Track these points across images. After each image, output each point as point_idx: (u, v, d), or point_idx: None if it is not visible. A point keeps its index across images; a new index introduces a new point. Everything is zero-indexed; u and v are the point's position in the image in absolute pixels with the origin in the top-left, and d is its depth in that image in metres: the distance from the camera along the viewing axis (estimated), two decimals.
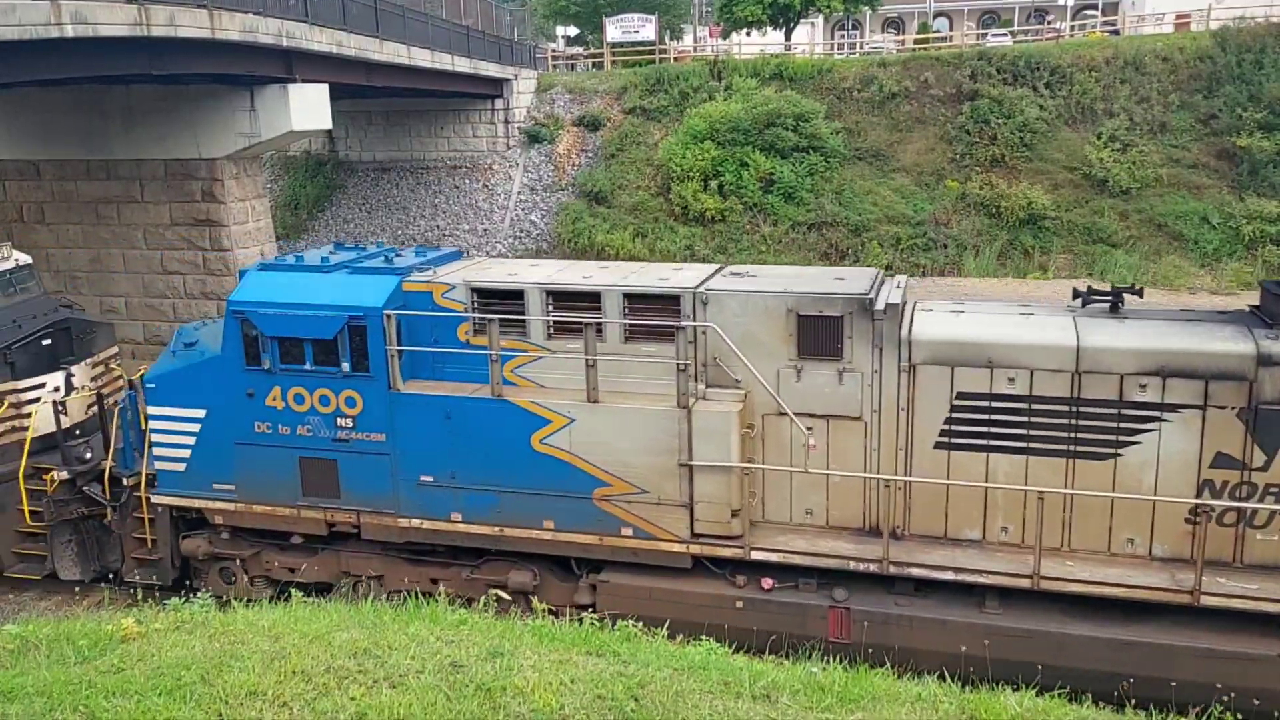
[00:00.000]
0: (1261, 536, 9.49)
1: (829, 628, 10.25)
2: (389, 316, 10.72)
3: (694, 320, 10.34)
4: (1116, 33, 36.46)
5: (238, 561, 12.30)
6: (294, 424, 11.30)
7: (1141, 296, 10.74)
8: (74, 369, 13.69)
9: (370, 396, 10.97)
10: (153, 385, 11.90)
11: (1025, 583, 9.66)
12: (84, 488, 12.90)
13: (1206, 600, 9.21)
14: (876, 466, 10.29)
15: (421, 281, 11.21)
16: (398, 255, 12.35)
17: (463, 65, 30.19)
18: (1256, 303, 10.47)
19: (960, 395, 10.03)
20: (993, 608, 9.95)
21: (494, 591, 10.76)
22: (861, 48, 43.76)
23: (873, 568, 10.06)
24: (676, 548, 10.52)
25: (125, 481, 12.67)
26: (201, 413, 11.66)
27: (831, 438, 10.35)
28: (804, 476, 10.30)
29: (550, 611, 10.72)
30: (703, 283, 10.69)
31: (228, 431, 11.59)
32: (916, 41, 40.66)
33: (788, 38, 43.37)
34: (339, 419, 11.14)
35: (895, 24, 54.59)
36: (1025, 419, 9.94)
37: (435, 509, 11.07)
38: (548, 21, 53.90)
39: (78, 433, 13.36)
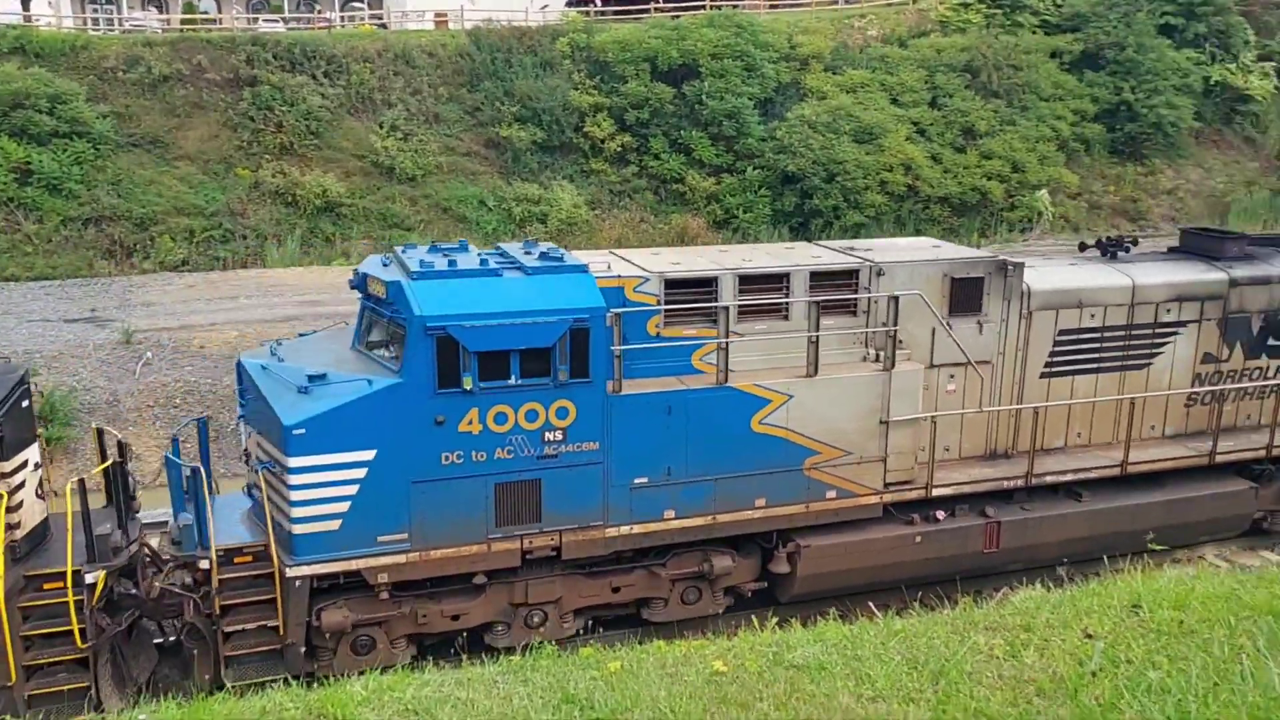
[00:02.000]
0: (1228, 407, 12.95)
1: (984, 541, 11.78)
2: (616, 316, 10.04)
3: (871, 291, 11.17)
4: (385, 26, 36.44)
5: (379, 626, 10.19)
6: (491, 448, 9.82)
7: (1136, 245, 13.64)
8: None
9: (586, 403, 10.02)
10: (302, 431, 9.25)
11: (1115, 471, 12.10)
12: (157, 584, 9.65)
13: (1219, 459, 12.48)
14: (998, 400, 12.02)
15: (612, 277, 10.38)
16: (525, 253, 10.75)
17: None
18: (1175, 244, 14.25)
19: (1061, 332, 12.20)
20: (1088, 497, 12.15)
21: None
22: (121, 24, 38.00)
23: (1019, 483, 11.80)
24: (872, 500, 11.19)
25: (204, 564, 9.51)
26: (369, 454, 9.49)
27: (967, 381, 11.79)
28: (926, 419, 11.39)
29: (728, 590, 11.27)
30: (866, 258, 11.47)
31: (403, 471, 9.57)
32: (183, 22, 36.26)
33: (26, 7, 35.95)
34: (547, 433, 9.96)
35: (158, 2, 49.52)
36: (1098, 345, 12.39)
37: (648, 510, 10.51)
38: None
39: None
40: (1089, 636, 5.05)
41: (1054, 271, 12.44)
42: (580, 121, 27.76)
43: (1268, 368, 13.12)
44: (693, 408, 10.33)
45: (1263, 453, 12.83)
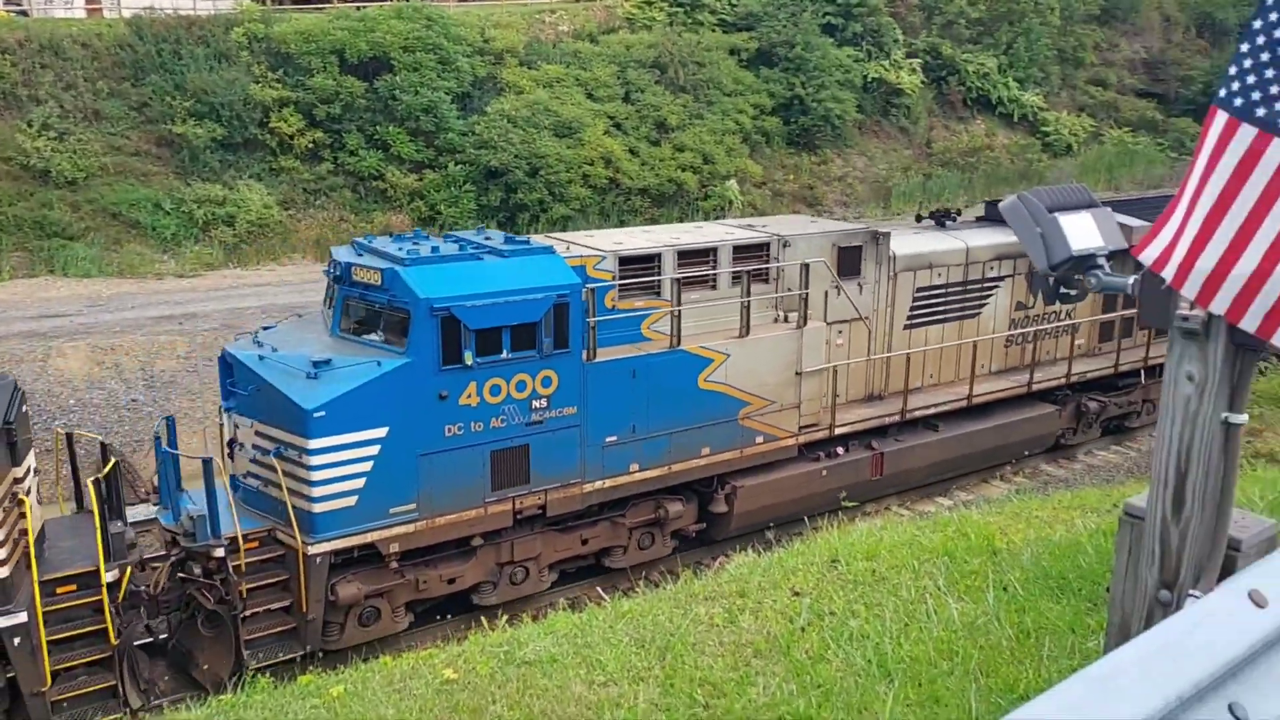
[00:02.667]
0: (1036, 345, 16.04)
1: (871, 470, 13.91)
2: (591, 291, 10.97)
3: (780, 261, 12.84)
4: (25, 13, 31.60)
5: (383, 596, 10.59)
6: (487, 418, 10.53)
7: (960, 215, 16.36)
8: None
9: (566, 372, 10.93)
10: (322, 414, 9.54)
11: (963, 403, 14.84)
12: (179, 576, 9.69)
13: (1035, 388, 15.64)
14: (876, 350, 14.10)
15: (575, 256, 11.31)
16: (486, 239, 11.50)
17: None
18: (981, 214, 16.79)
19: (918, 290, 14.46)
20: (943, 427, 14.70)
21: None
22: None
23: (895, 418, 14.06)
24: (790, 441, 12.98)
25: (218, 552, 9.54)
26: (382, 431, 9.92)
27: (852, 336, 13.77)
28: (829, 368, 13.29)
29: (674, 534, 12.66)
30: (774, 232, 13.10)
31: (412, 445, 10.09)
32: None
33: None
34: (534, 401, 10.80)
35: None
36: (944, 299, 14.79)
37: (616, 465, 11.56)
38: None
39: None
40: (796, 594, 5.36)
41: (909, 239, 14.63)
42: (265, 117, 26.07)
43: (1061, 311, 16.30)
44: (652, 370, 11.58)
45: (1062, 381, 16.13)
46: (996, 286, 15.37)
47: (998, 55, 38.50)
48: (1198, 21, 45.94)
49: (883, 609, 4.98)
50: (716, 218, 29.93)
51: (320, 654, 10.19)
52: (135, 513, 12.15)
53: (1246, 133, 2.50)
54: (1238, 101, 2.53)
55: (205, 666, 9.89)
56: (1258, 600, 2.64)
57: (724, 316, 12.25)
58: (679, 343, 11.67)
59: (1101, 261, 3.13)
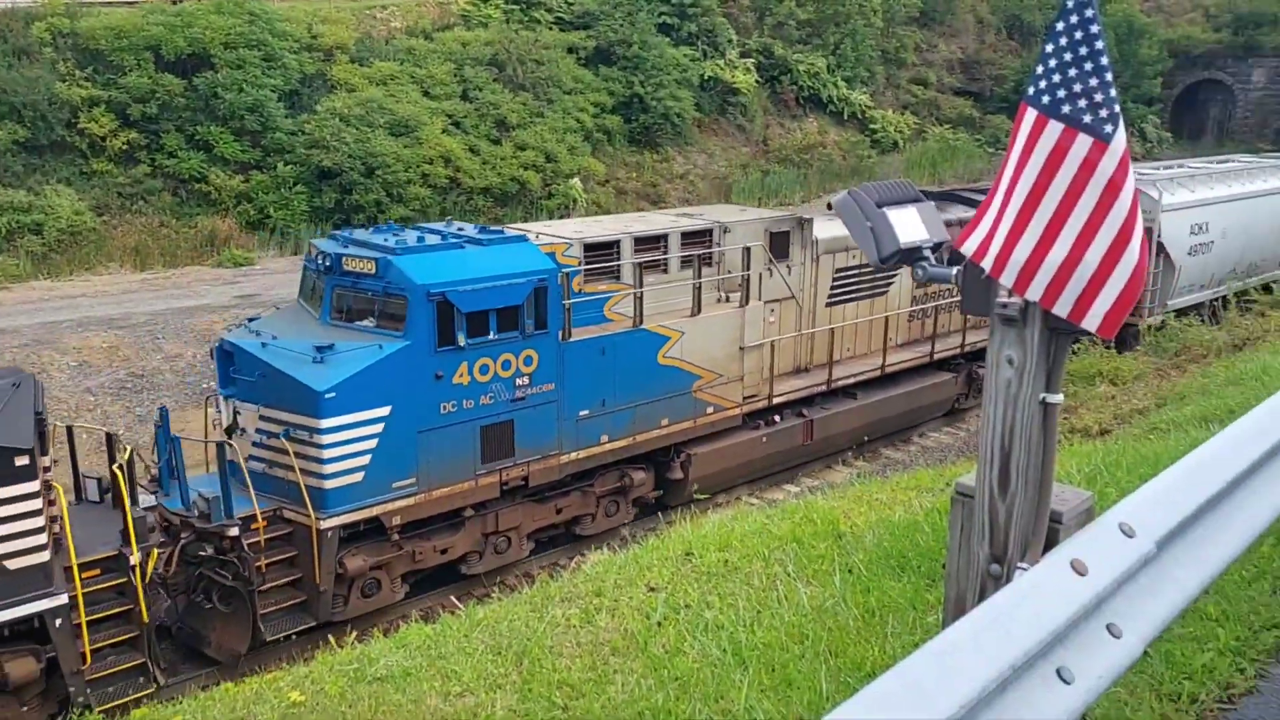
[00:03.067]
0: (936, 319, 17.48)
1: (803, 436, 15.17)
2: (566, 275, 11.72)
3: (722, 246, 13.79)
4: None
5: (383, 568, 11.13)
6: (477, 396, 11.23)
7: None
8: None
9: (545, 351, 11.68)
10: (333, 394, 10.09)
11: (878, 373, 16.22)
12: (201, 554, 9.91)
13: (936, 358, 17.28)
14: (804, 326, 15.25)
15: (545, 244, 12.00)
16: (460, 229, 12.31)
17: None
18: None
19: (837, 270, 15.48)
20: (861, 395, 16.04)
21: None
22: None
23: (822, 388, 15.34)
24: (736, 411, 14.15)
25: (232, 531, 9.86)
26: (386, 410, 10.50)
27: (783, 313, 14.81)
28: (768, 342, 14.37)
29: (638, 502, 13.61)
30: (714, 220, 14.05)
31: (411, 422, 10.70)
32: None
33: None
34: (518, 379, 11.49)
35: None
36: (858, 279, 15.83)
37: (589, 437, 12.44)
38: None
39: None
40: (652, 590, 5.39)
41: (828, 224, 15.26)
42: (73, 117, 24.37)
43: (954, 289, 18.85)
44: (619, 348, 12.52)
45: (958, 350, 17.77)
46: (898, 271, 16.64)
47: (826, 56, 39.94)
48: (1008, 23, 48.94)
49: (736, 598, 5.06)
50: (561, 216, 29.89)
51: (162, 687, 9.77)
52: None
53: (1054, 129, 2.65)
54: (1045, 99, 2.68)
55: (219, 643, 10.29)
56: (1079, 569, 2.81)
57: (675, 298, 13.21)
58: (641, 322, 12.64)
59: (927, 253, 3.26)
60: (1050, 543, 2.92)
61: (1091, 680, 2.71)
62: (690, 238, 13.49)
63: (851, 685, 3.93)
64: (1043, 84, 2.68)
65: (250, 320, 11.90)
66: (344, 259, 11.02)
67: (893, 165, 38.31)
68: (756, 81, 37.55)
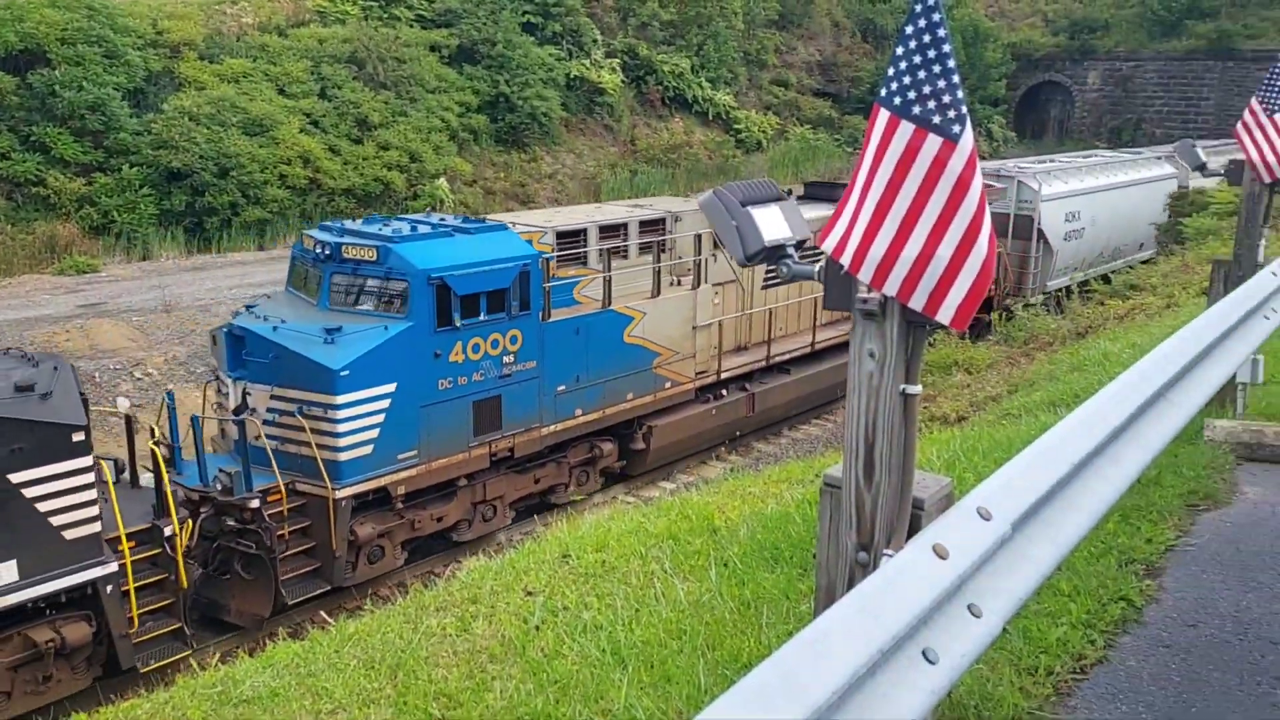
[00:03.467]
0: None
1: (746, 409, 16.24)
2: (545, 260, 12.54)
3: (675, 233, 14.86)
4: None
5: (386, 536, 11.81)
6: (470, 372, 11.99)
7: (791, 194, 18.37)
8: None
9: (528, 331, 12.55)
10: (347, 372, 10.82)
11: (809, 349, 17.41)
12: (225, 527, 10.54)
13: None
14: (745, 307, 16.12)
15: (523, 231, 12.84)
16: (442, 220, 13.19)
17: None
18: (802, 194, 18.80)
19: None
20: (794, 370, 17.16)
21: None
22: None
23: (763, 364, 16.45)
24: (690, 385, 15.19)
25: (254, 503, 10.46)
26: (392, 386, 11.26)
27: (726, 295, 15.68)
28: (715, 323, 15.37)
29: (604, 471, 14.68)
30: (665, 210, 15.11)
31: (414, 398, 11.46)
32: None
33: None
34: (505, 357, 12.32)
35: None
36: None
37: (566, 411, 13.35)
38: None
39: None
40: (530, 594, 5.34)
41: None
42: None
43: None
44: (591, 327, 13.44)
45: None
46: (821, 251, 18.92)
47: (690, 56, 40.47)
48: (862, 27, 50.64)
49: (614, 598, 5.06)
50: None
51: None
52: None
53: (906, 129, 2.74)
54: (897, 100, 2.76)
55: (239, 610, 10.86)
56: (940, 553, 2.92)
57: (635, 281, 14.12)
58: (610, 304, 13.52)
59: (791, 251, 3.33)
60: (914, 529, 3.02)
61: (955, 659, 2.81)
62: (647, 225, 14.60)
63: (729, 678, 3.98)
64: (894, 86, 2.76)
65: (249, 307, 12.36)
66: (343, 247, 11.68)
67: (757, 165, 39.14)
68: (622, 81, 37.76)
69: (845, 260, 2.88)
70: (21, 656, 8.90)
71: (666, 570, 5.31)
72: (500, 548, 12.23)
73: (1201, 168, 23.57)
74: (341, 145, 27.93)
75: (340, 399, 10.82)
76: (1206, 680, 3.87)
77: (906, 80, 2.73)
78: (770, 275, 16.73)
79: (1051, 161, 25.49)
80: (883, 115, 2.79)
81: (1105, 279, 22.99)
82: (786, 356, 17.11)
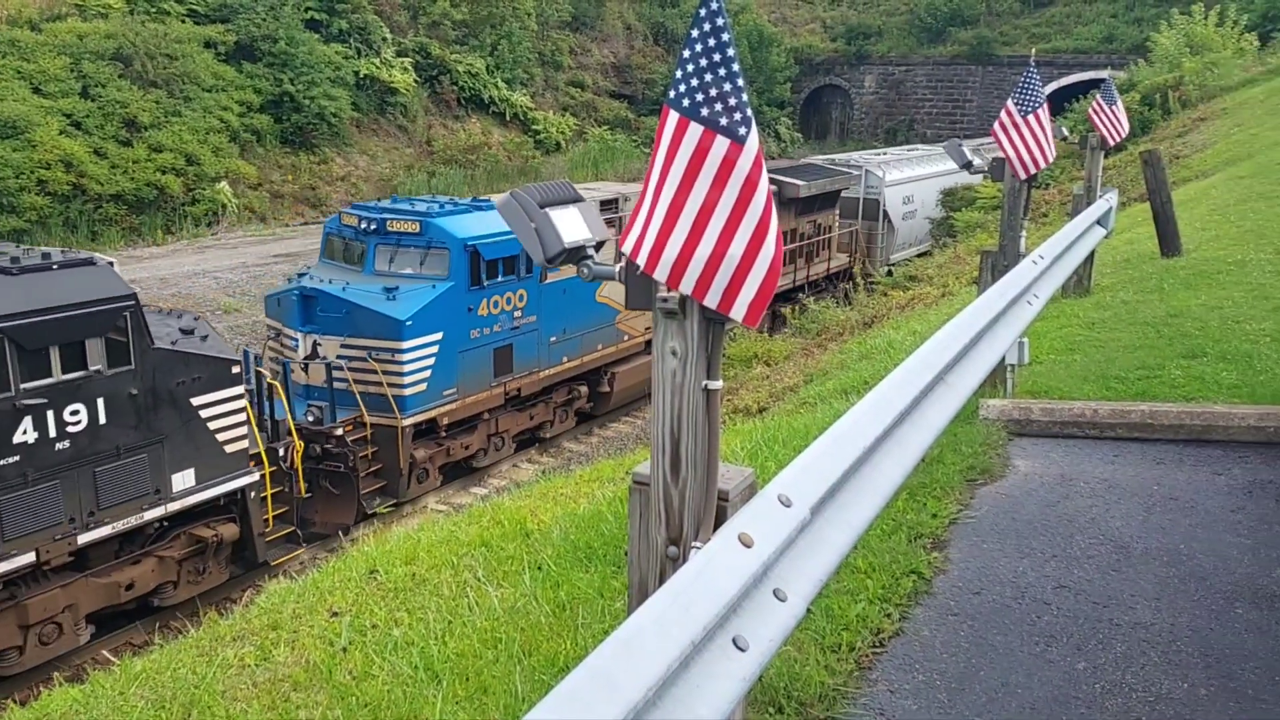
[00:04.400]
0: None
1: None
2: None
3: (621, 212, 17.21)
4: None
5: (430, 460, 14.23)
6: (492, 324, 14.58)
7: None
8: None
9: (531, 290, 15.10)
10: (410, 322, 13.31)
11: None
12: (325, 446, 13.02)
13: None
14: None
15: None
16: (454, 199, 16.09)
17: None
18: None
19: None
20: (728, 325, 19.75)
21: None
22: None
23: None
24: (641, 338, 17.91)
25: (339, 431, 13.02)
26: (439, 335, 13.76)
27: None
28: None
29: (578, 412, 17.57)
30: (617, 192, 18.04)
31: (454, 344, 13.96)
32: None
33: None
34: (515, 312, 14.88)
35: None
36: None
37: (556, 358, 16.08)
38: None
39: None
40: (335, 615, 5.12)
41: None
42: None
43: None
44: (574, 289, 15.67)
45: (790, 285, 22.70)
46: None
47: (485, 57, 40.07)
48: (653, 30, 51.66)
49: (426, 611, 4.93)
50: (209, 224, 27.78)
51: None
52: None
53: (695, 130, 2.79)
54: (685, 102, 2.81)
55: (324, 520, 13.04)
56: (745, 541, 2.99)
57: (602, 250, 16.54)
58: None
59: (591, 252, 3.33)
60: (720, 520, 3.09)
61: (764, 644, 2.89)
62: (606, 204, 17.09)
63: (546, 683, 3.95)
64: (683, 88, 2.81)
65: (301, 274, 14.56)
66: (388, 221, 14.18)
67: (557, 166, 39.23)
68: (415, 81, 36.94)
69: (641, 261, 2.91)
70: (188, 550, 10.84)
71: (480, 578, 5.22)
72: (303, 567, 11.71)
73: (968, 165, 25.72)
74: (108, 148, 25.95)
75: (406, 344, 13.36)
76: (991, 644, 4.16)
77: (694, 83, 2.78)
78: None
79: (888, 154, 30.61)
80: (672, 117, 2.83)
81: (928, 253, 25.53)
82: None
